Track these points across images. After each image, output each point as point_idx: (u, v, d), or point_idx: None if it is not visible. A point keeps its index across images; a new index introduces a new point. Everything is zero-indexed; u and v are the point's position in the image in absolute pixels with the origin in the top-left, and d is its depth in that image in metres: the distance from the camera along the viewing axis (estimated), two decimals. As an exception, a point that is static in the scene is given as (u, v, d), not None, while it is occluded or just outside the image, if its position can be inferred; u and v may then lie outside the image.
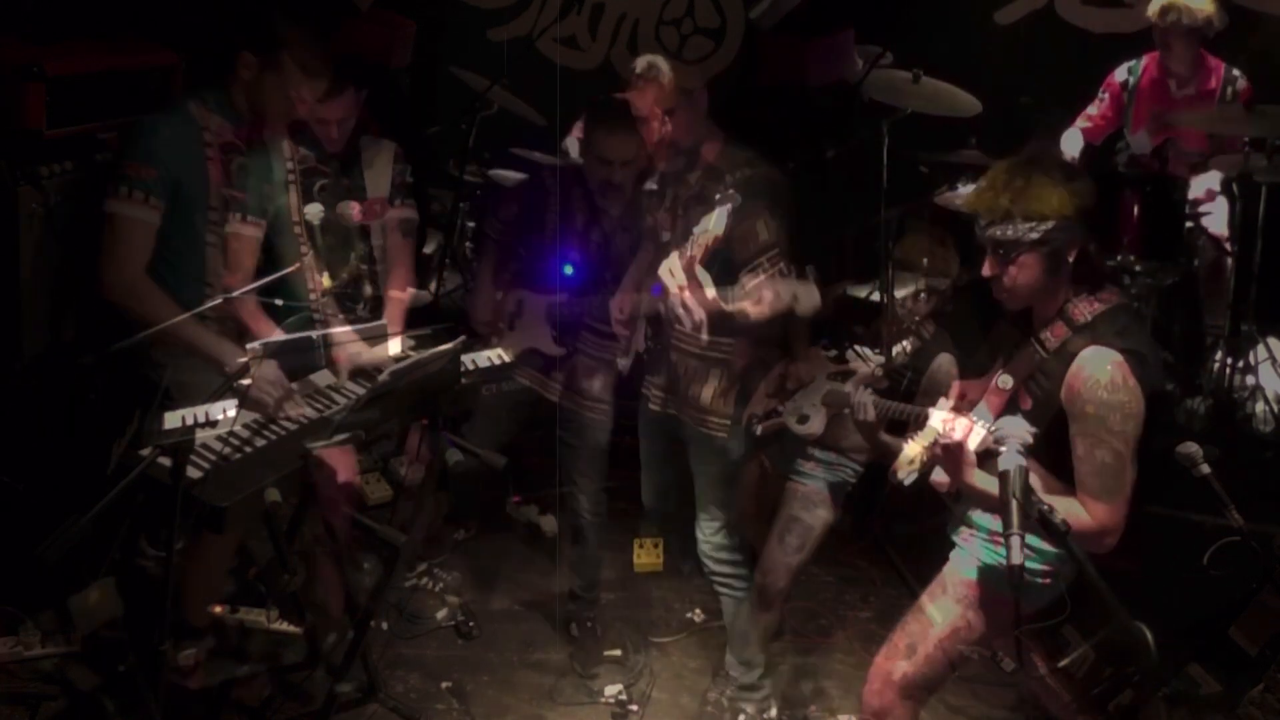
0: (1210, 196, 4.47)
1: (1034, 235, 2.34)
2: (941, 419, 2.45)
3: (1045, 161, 2.41)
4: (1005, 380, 2.48)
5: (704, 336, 3.00)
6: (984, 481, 2.37)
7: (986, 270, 2.45)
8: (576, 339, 3.46)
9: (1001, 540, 2.50)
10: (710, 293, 2.91)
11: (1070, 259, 2.39)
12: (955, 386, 2.78)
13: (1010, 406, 2.47)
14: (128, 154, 2.90)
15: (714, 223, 2.92)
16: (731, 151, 3.11)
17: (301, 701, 3.19)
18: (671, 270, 2.99)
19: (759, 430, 3.18)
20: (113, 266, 2.84)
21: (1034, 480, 2.35)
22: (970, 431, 2.39)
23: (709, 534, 3.30)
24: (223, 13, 3.14)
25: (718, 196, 2.94)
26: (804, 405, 3.11)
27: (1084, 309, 2.41)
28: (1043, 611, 2.58)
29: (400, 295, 3.52)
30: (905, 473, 2.51)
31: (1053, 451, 2.34)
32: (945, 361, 3.27)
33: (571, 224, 3.51)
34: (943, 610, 2.62)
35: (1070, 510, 2.28)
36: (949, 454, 2.38)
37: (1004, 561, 2.50)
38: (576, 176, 3.53)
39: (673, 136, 3.06)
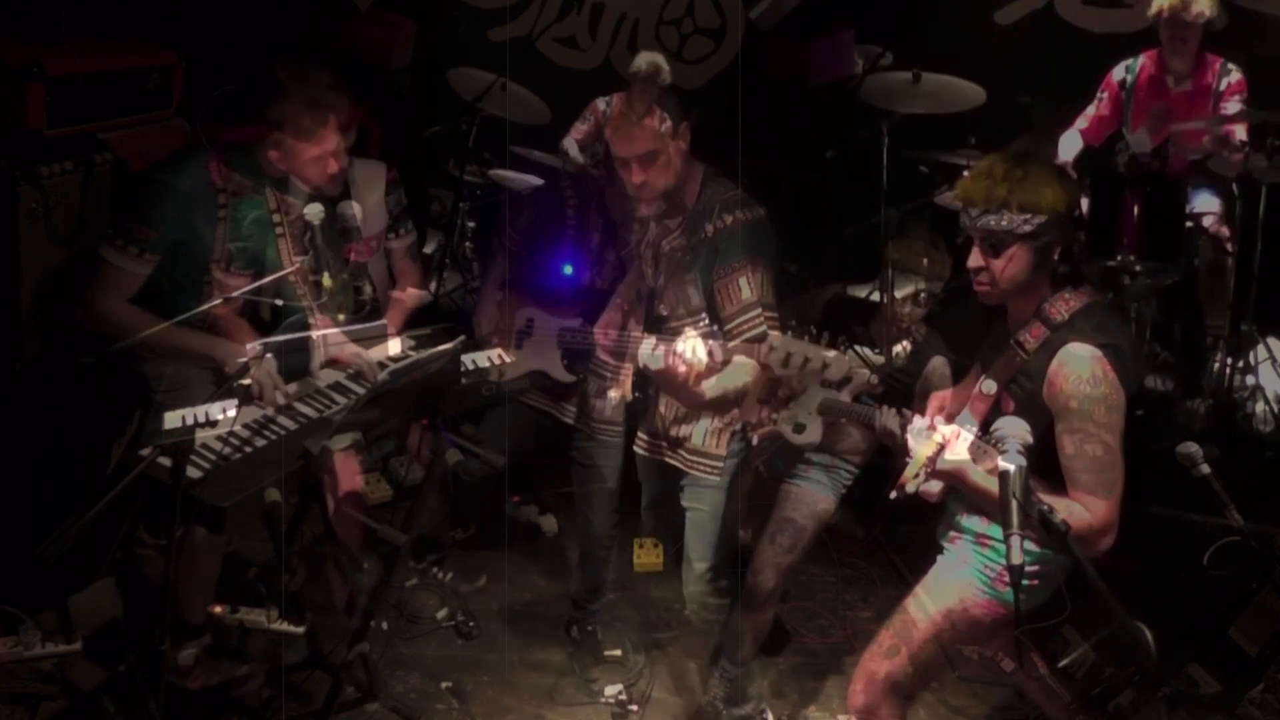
0: (1213, 211, 4.50)
1: (1027, 228, 2.34)
2: (924, 428, 2.45)
3: (1041, 156, 2.42)
4: (989, 386, 2.47)
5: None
6: (982, 479, 2.38)
7: (973, 261, 2.44)
8: (588, 364, 3.36)
9: (989, 544, 2.52)
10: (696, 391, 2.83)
11: (1055, 256, 2.39)
12: (933, 400, 2.77)
13: (994, 411, 2.47)
14: (132, 211, 2.88)
15: (694, 355, 2.76)
16: (711, 192, 2.99)
17: (301, 701, 3.19)
18: (649, 361, 2.89)
19: (754, 439, 3.14)
20: (90, 300, 2.87)
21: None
22: (958, 439, 2.40)
23: (698, 575, 3.22)
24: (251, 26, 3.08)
25: (702, 331, 2.82)
26: (799, 414, 3.07)
27: (1060, 307, 2.41)
28: (1035, 612, 2.58)
29: (401, 296, 3.52)
30: (914, 484, 2.50)
31: (1039, 454, 2.33)
32: (939, 364, 3.26)
33: (587, 243, 3.47)
34: (927, 612, 2.61)
35: (1069, 511, 2.28)
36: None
37: (990, 565, 2.53)
38: (596, 190, 3.50)
39: (655, 181, 2.92)
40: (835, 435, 3.28)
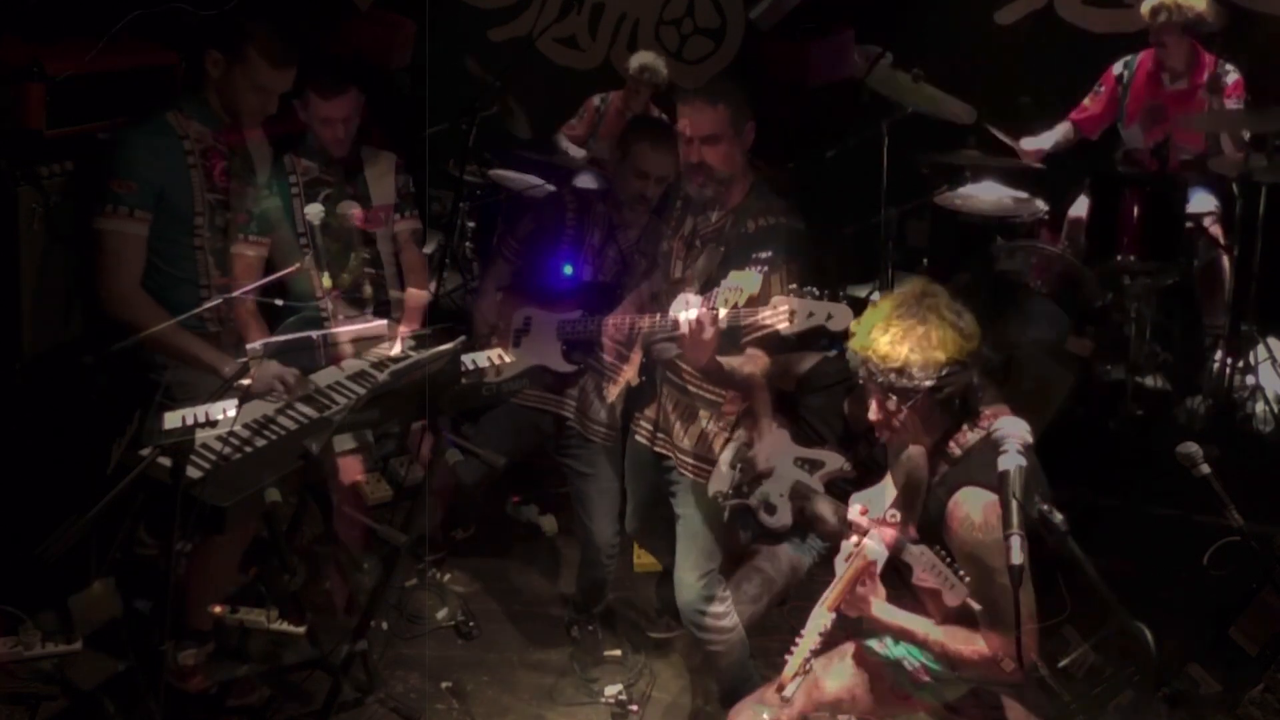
0: (1212, 211, 4.51)
1: (930, 382, 2.31)
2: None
3: (937, 301, 2.36)
4: (894, 515, 2.46)
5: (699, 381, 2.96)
6: (889, 614, 2.42)
7: (873, 414, 2.41)
8: (588, 356, 3.36)
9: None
10: (711, 337, 2.71)
11: (955, 401, 2.36)
12: (854, 502, 2.69)
13: (902, 534, 2.46)
14: (109, 169, 2.92)
15: (749, 283, 2.67)
16: (759, 196, 2.96)
17: (301, 701, 3.19)
18: (687, 310, 2.75)
19: (725, 510, 3.08)
20: (107, 282, 2.89)
21: (923, 610, 2.40)
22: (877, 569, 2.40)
23: (690, 583, 3.10)
24: (187, 13, 3.17)
25: (754, 255, 2.78)
26: (771, 494, 2.98)
27: (959, 442, 2.38)
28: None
29: (419, 293, 3.53)
30: (793, 687, 2.47)
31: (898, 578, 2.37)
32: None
33: (589, 240, 3.46)
34: (835, 677, 2.61)
35: (969, 640, 2.34)
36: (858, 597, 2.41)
37: (909, 658, 2.53)
38: (597, 195, 3.50)
39: (712, 164, 2.89)
40: (804, 518, 3.23)
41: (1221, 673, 3.13)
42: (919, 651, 2.51)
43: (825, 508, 2.92)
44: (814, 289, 2.62)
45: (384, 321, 3.26)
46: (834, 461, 3.01)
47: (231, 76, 2.95)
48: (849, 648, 2.66)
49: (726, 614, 3.15)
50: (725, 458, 2.98)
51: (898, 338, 2.31)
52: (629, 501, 3.44)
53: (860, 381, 2.42)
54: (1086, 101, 4.86)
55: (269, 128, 3.18)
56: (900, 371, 2.31)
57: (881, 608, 2.41)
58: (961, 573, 2.30)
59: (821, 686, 2.61)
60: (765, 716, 2.60)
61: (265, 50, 2.94)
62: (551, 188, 4.92)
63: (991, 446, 2.29)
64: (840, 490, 3.06)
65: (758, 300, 2.65)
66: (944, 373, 2.30)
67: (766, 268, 2.74)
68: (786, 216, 2.94)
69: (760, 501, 2.97)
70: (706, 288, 2.91)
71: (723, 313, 2.63)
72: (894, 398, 2.35)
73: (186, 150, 2.94)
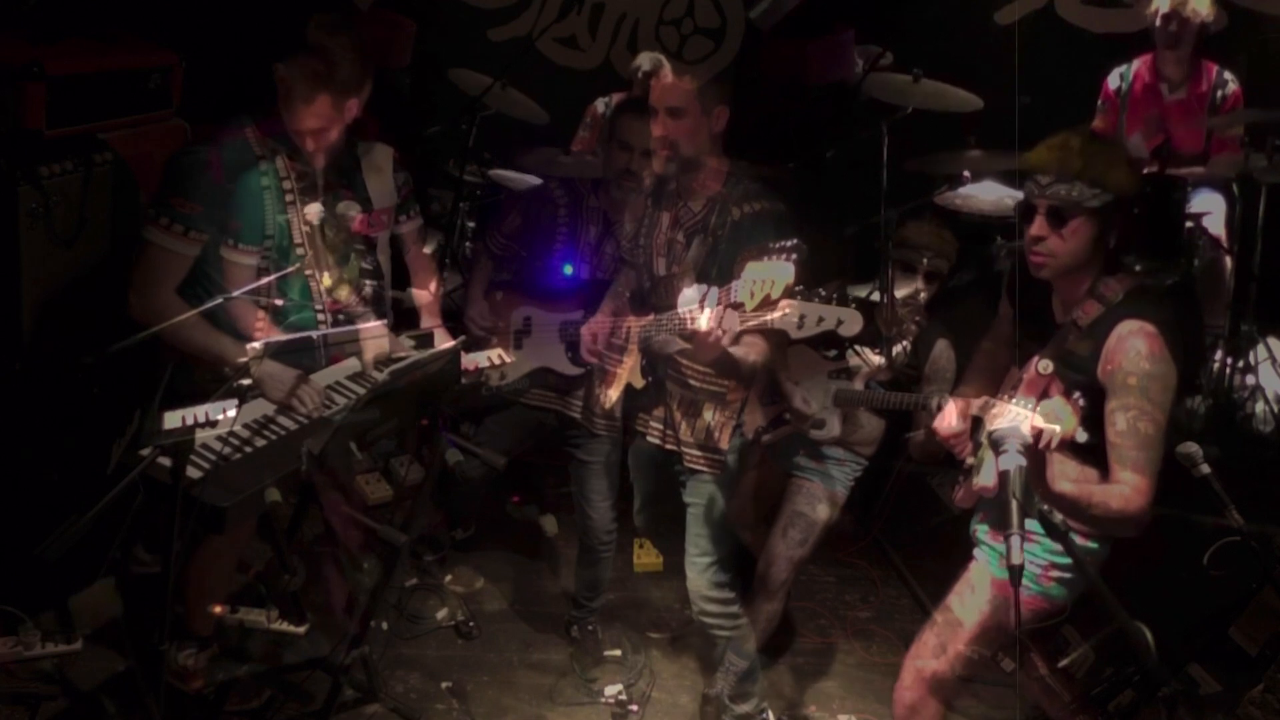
0: (1212, 211, 4.50)
1: (1095, 202, 2.35)
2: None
3: (1114, 138, 2.41)
4: (1045, 365, 2.41)
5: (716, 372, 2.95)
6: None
7: (1036, 229, 2.42)
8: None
9: (1034, 539, 2.48)
10: (728, 341, 2.68)
11: (1112, 239, 2.40)
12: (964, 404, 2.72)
13: (1043, 393, 2.44)
14: (176, 184, 2.78)
15: (781, 273, 2.63)
16: (738, 183, 2.96)
17: (301, 701, 3.19)
18: (705, 309, 2.71)
19: (765, 440, 3.14)
20: (141, 291, 2.79)
21: (1068, 466, 2.34)
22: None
23: (700, 570, 3.16)
24: (251, 26, 3.00)
25: (775, 245, 2.72)
26: (815, 409, 3.07)
27: (1115, 287, 2.42)
28: (1077, 603, 2.59)
29: (424, 294, 3.51)
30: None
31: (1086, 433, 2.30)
32: (943, 346, 3.29)
33: (584, 238, 3.46)
34: (972, 610, 2.62)
35: (1113, 494, 2.28)
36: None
37: (1035, 561, 2.51)
38: (588, 188, 3.50)
39: (675, 138, 2.89)
40: (849, 426, 3.30)
41: (1221, 673, 3.13)
42: (1041, 549, 2.51)
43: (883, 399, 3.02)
44: (821, 290, 2.63)
45: (383, 322, 3.26)
46: (869, 364, 3.11)
47: (293, 92, 2.78)
48: (973, 581, 2.66)
49: (733, 600, 3.20)
50: (757, 396, 3.07)
51: (1074, 150, 2.37)
52: (636, 498, 3.47)
53: (1027, 197, 2.45)
54: (1097, 124, 4.85)
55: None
56: (1068, 184, 2.36)
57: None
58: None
59: (963, 623, 2.63)
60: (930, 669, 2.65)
61: (330, 61, 2.73)
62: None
63: (1151, 291, 2.39)
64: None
65: (791, 290, 2.65)
66: (1108, 198, 2.35)
67: (795, 255, 2.71)
68: (769, 201, 2.94)
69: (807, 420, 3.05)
70: (699, 280, 2.91)
71: (749, 307, 2.63)
72: (1057, 216, 2.39)
73: (262, 171, 2.83)
